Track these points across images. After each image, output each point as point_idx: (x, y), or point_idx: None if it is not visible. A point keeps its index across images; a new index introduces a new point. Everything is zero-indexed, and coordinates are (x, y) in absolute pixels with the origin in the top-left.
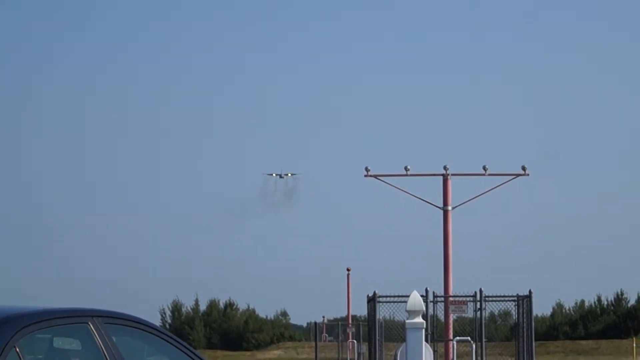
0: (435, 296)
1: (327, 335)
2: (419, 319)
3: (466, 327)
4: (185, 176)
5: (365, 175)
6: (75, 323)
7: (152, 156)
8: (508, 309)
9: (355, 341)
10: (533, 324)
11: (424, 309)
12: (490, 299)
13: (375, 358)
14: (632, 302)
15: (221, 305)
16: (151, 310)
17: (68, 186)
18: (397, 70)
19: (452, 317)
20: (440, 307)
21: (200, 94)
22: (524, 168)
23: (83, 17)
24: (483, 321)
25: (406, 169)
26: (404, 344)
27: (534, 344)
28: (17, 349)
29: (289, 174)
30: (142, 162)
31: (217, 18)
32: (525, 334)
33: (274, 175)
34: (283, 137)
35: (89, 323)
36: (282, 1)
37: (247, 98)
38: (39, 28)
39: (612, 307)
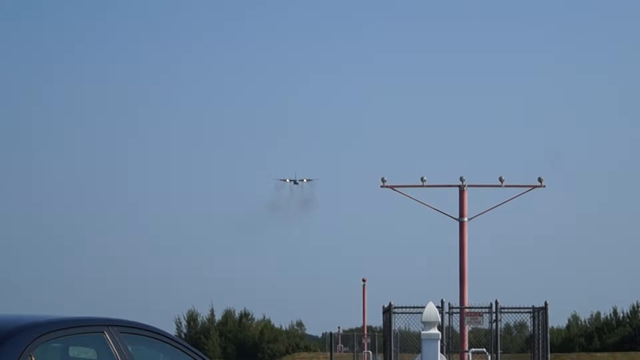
0: (450, 307)
1: (342, 345)
2: (435, 330)
3: (481, 339)
4: (201, 185)
5: (382, 186)
6: (91, 332)
7: (166, 165)
8: (524, 320)
9: (370, 352)
10: (548, 335)
11: (440, 320)
12: (506, 310)
13: None
14: None
15: (236, 315)
16: (167, 320)
17: (83, 198)
18: (414, 82)
19: (467, 328)
20: (456, 318)
21: (215, 102)
22: (540, 179)
23: (90, 33)
24: (499, 333)
25: (422, 179)
26: (420, 355)
27: (549, 355)
28: (33, 358)
29: (305, 180)
30: (156, 171)
31: (229, 28)
32: (540, 346)
33: (287, 180)
34: (299, 146)
35: (105, 332)
36: (304, 11)
37: (267, 106)
38: (40, 44)
39: (628, 319)
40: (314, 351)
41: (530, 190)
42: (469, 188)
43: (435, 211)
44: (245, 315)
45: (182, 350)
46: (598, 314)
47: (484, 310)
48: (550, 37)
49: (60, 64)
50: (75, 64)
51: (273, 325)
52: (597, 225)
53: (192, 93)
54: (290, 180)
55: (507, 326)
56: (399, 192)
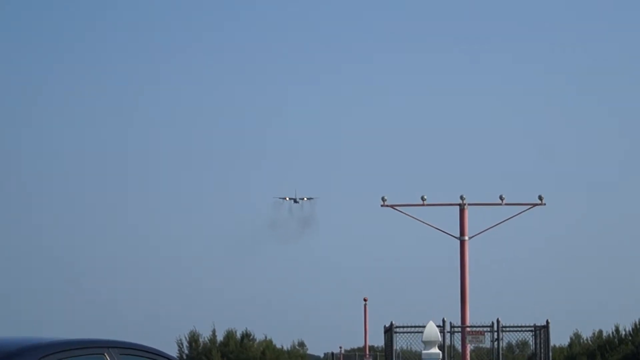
0: (452, 326)
1: None
2: (436, 350)
3: (483, 358)
4: (200, 204)
5: (382, 205)
6: (92, 354)
7: (165, 185)
8: (525, 339)
9: None
10: (550, 354)
11: (440, 339)
12: (508, 329)
13: None
14: None
15: (238, 335)
16: (168, 341)
17: (83, 219)
18: (413, 100)
19: (469, 347)
20: (458, 337)
21: (214, 118)
22: (540, 197)
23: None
24: (500, 351)
25: (423, 198)
26: None
27: None
28: None
29: (305, 198)
30: (154, 190)
31: (228, 51)
32: None
33: (287, 199)
34: (299, 164)
35: (105, 354)
36: (305, 32)
37: (267, 123)
38: (37, 67)
39: (630, 337)
40: None
41: (530, 208)
42: (469, 206)
43: (436, 230)
44: (246, 335)
45: None
46: (600, 332)
47: (485, 329)
48: (552, 59)
49: (55, 75)
50: (71, 75)
51: (275, 346)
52: (599, 243)
53: (190, 108)
54: (290, 199)
55: (509, 345)
56: (399, 211)
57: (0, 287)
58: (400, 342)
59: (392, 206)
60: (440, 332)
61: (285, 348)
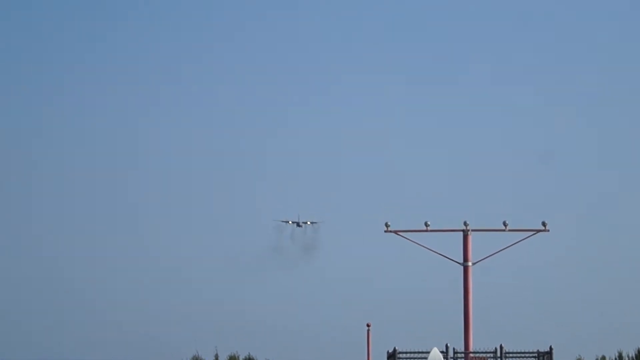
0: (455, 352)
1: None
2: None
3: None
4: (204, 228)
5: (386, 231)
6: None
7: (173, 206)
8: None
9: None
10: None
11: None
12: (511, 355)
13: None
14: None
15: (241, 359)
16: None
17: (83, 243)
18: (417, 128)
19: None
20: None
21: (219, 139)
22: (544, 224)
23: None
24: None
25: (426, 224)
26: None
27: None
28: None
29: (308, 222)
30: (156, 215)
31: (237, 71)
32: None
33: (290, 222)
34: (301, 188)
35: None
36: (315, 54)
37: (272, 148)
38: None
39: None
40: None
41: (534, 234)
42: (473, 232)
43: (439, 256)
44: (249, 359)
45: None
46: (603, 357)
47: (488, 355)
48: (554, 80)
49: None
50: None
51: None
52: (602, 269)
53: (199, 132)
54: (293, 222)
55: None
56: (403, 236)
57: (12, 308)
58: None
59: (395, 232)
60: (444, 357)
61: None
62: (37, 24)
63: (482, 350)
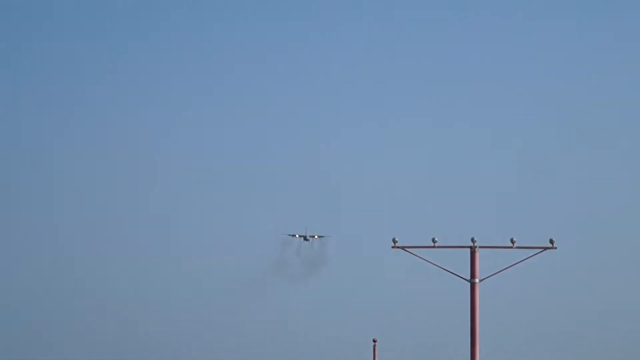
0: None
1: None
2: None
3: None
4: (210, 243)
5: (393, 247)
6: None
7: (168, 229)
8: None
9: None
10: None
11: None
12: None
13: None
14: None
15: None
16: None
17: (101, 248)
18: (424, 143)
19: None
20: None
21: (227, 151)
22: (552, 241)
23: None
24: None
25: (434, 240)
26: None
27: None
28: None
29: (316, 236)
30: (158, 234)
31: (249, 82)
32: None
33: (297, 236)
34: (309, 203)
35: None
36: (330, 70)
37: (280, 162)
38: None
39: None
40: None
41: (542, 251)
42: (480, 249)
43: (447, 272)
44: None
45: None
46: None
47: None
48: (554, 93)
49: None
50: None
51: None
52: (609, 287)
53: (206, 145)
54: (300, 236)
55: None
56: (411, 252)
57: (35, 315)
58: None
59: (403, 248)
60: None
61: None
62: None
63: None
